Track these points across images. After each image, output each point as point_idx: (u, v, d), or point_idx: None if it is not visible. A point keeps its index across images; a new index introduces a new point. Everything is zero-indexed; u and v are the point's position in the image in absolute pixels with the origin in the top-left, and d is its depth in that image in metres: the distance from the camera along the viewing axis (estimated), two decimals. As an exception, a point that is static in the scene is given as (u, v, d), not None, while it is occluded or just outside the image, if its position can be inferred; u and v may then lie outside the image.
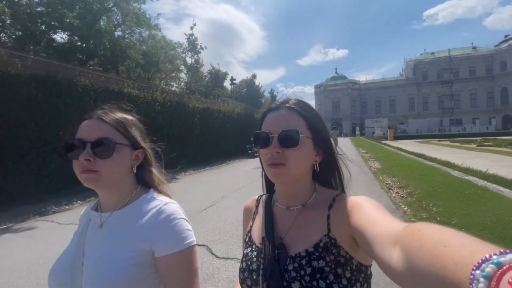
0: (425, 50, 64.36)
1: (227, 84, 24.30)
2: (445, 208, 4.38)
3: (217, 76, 20.14)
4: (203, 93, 14.47)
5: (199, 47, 12.23)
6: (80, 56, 11.04)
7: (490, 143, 18.56)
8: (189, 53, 12.31)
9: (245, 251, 0.72)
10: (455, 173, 7.45)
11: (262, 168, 0.73)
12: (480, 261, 0.24)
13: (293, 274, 0.58)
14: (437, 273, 0.27)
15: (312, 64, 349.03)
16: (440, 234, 0.31)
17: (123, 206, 0.73)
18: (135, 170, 0.77)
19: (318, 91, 65.66)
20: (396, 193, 5.85)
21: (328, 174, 0.71)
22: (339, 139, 19.23)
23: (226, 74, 21.60)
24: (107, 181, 0.69)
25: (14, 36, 10.43)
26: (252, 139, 0.70)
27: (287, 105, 0.67)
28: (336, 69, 68.29)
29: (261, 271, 0.63)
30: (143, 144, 0.78)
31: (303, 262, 0.59)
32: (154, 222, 0.69)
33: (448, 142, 23.57)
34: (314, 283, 0.56)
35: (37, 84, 6.21)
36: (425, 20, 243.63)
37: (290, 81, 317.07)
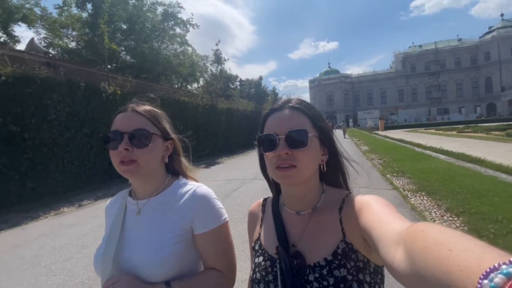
0: (413, 43, 68.26)
1: (235, 85, 27.52)
2: (401, 165, 7.69)
3: (230, 79, 23.44)
4: (220, 95, 17.54)
5: (223, 59, 15.24)
6: (134, 72, 14.15)
7: (470, 130, 20.56)
8: (215, 64, 15.29)
9: (256, 260, 0.69)
10: (418, 149, 10.86)
11: (263, 173, 0.75)
12: (488, 270, 0.23)
13: (316, 285, 0.56)
14: (441, 277, 0.27)
15: (303, 58, 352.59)
16: (445, 237, 0.31)
17: (158, 193, 0.80)
18: (166, 160, 0.82)
19: (313, 85, 68.71)
20: (376, 161, 9.22)
21: (334, 173, 0.70)
22: (342, 131, 24.57)
23: (236, 76, 25.01)
24: (144, 170, 0.74)
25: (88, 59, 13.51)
26: (255, 142, 0.68)
27: (290, 104, 0.65)
28: (329, 63, 71.89)
29: (279, 282, 0.60)
30: (172, 136, 0.83)
31: (324, 272, 0.57)
32: (192, 204, 0.77)
33: (433, 130, 25.71)
34: None
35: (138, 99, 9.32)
36: (412, 11, 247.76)
37: (282, 75, 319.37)
